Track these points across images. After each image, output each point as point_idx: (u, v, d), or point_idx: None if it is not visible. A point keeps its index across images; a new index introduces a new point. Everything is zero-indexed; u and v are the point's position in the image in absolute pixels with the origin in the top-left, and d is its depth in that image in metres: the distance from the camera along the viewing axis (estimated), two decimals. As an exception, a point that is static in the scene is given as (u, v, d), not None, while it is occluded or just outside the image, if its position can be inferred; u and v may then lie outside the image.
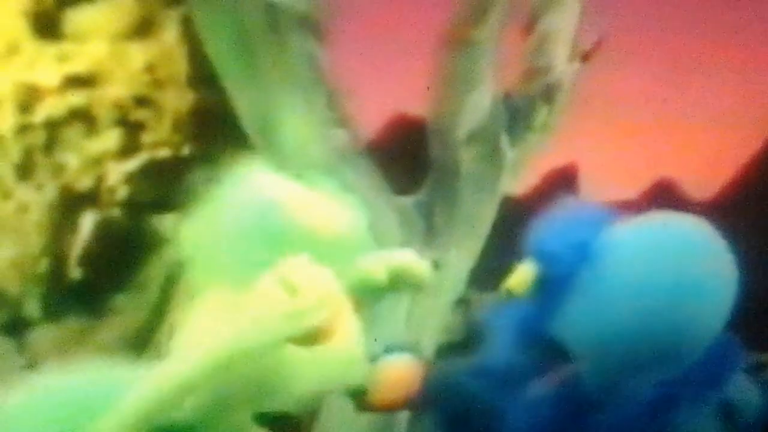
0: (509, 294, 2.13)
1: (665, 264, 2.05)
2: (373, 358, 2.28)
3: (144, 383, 1.95)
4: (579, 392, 2.04)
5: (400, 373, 2.26)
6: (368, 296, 2.26)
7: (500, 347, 2.18)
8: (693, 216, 2.12)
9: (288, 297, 1.97)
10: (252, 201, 2.12)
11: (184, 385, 1.95)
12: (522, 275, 2.12)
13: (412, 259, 2.27)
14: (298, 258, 2.03)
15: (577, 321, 2.05)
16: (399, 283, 2.26)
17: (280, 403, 2.06)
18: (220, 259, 2.07)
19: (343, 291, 2.13)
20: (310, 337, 2.01)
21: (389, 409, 2.27)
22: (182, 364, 1.96)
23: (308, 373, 2.07)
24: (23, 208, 4.68)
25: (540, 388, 2.08)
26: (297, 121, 4.26)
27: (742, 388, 2.11)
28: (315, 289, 2.00)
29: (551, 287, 2.07)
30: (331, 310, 2.01)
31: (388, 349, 2.30)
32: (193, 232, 2.11)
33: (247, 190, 2.14)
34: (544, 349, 2.08)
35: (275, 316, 1.98)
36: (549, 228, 2.13)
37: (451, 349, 4.50)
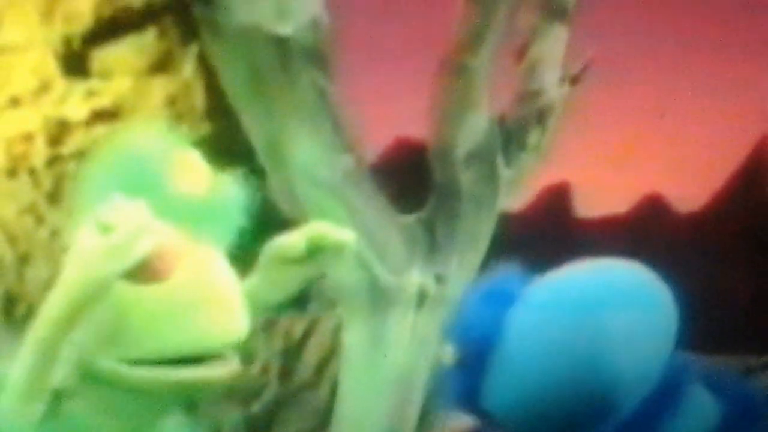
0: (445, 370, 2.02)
1: (578, 318, 1.91)
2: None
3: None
4: None
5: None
6: (290, 269, 2.15)
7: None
8: (615, 260, 1.97)
9: (102, 235, 1.89)
10: (135, 154, 2.06)
11: (50, 337, 1.90)
12: (448, 351, 2.00)
13: (329, 227, 2.16)
14: (112, 198, 1.96)
15: (500, 393, 1.93)
16: (318, 251, 2.13)
17: (148, 348, 1.97)
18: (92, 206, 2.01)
19: (186, 238, 2.04)
20: (138, 274, 1.92)
21: None
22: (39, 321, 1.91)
23: (168, 317, 1.97)
24: (54, 234, 4.65)
25: None
26: (305, 147, 4.22)
27: (700, 398, 1.97)
28: (129, 225, 1.90)
29: (471, 364, 1.95)
30: (151, 244, 1.91)
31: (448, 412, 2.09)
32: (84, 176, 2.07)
33: (135, 146, 2.08)
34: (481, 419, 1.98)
35: (93, 255, 1.90)
36: (462, 313, 2.01)
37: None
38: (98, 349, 1.97)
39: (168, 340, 1.98)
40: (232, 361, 2.10)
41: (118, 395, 1.98)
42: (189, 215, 2.05)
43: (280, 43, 4.18)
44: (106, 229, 1.92)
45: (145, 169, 2.05)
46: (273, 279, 2.17)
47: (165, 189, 2.04)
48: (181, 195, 2.06)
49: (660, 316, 1.91)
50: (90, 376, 1.97)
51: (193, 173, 2.12)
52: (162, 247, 1.96)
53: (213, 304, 2.03)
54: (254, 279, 2.18)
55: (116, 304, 1.96)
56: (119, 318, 1.97)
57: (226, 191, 2.15)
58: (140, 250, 1.91)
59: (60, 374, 1.93)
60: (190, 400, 2.10)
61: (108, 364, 1.97)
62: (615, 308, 1.89)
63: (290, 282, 2.19)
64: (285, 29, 4.19)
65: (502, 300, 1.95)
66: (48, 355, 1.89)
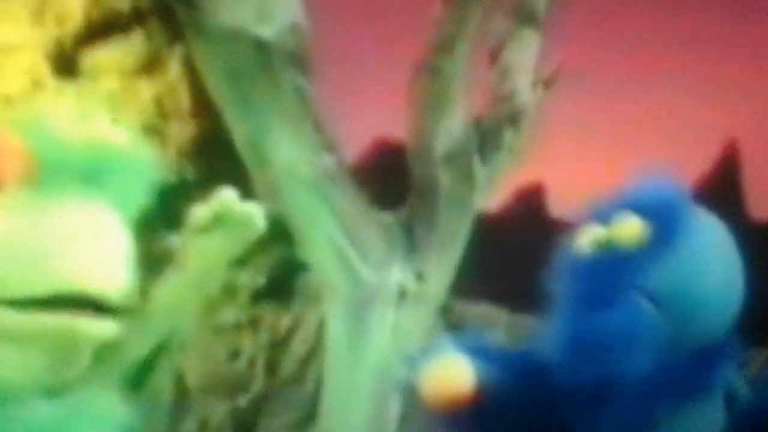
0: (611, 247, 2.02)
1: (728, 252, 2.11)
2: (422, 361, 2.07)
3: None
4: (651, 338, 2.01)
5: (452, 374, 2.03)
6: (205, 242, 2.05)
7: (573, 308, 2.05)
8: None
9: None
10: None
11: None
12: (632, 228, 2.01)
13: (232, 198, 2.06)
14: None
15: (672, 276, 2.04)
16: (225, 220, 2.04)
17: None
18: None
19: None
20: None
21: (449, 406, 2.03)
22: None
23: (36, 254, 1.81)
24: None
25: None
26: (287, 146, 4.14)
27: (738, 379, 2.14)
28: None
29: (658, 241, 2.03)
30: None
31: (437, 350, 2.07)
32: None
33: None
34: (634, 296, 2.02)
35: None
36: (651, 189, 2.09)
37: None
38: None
39: (36, 278, 1.80)
40: (108, 321, 1.89)
41: (11, 345, 1.82)
42: (67, 153, 1.89)
43: (262, 46, 4.11)
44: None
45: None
46: (195, 257, 2.05)
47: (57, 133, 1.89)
48: (76, 141, 1.91)
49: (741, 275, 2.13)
50: None
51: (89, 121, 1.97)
52: None
53: (88, 249, 1.86)
54: (181, 266, 2.07)
55: None
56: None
57: (127, 150, 1.99)
58: None
59: None
60: (67, 350, 1.88)
61: None
62: (737, 261, 2.11)
63: (213, 258, 2.06)
64: (266, 32, 4.12)
65: (683, 198, 2.08)
66: None
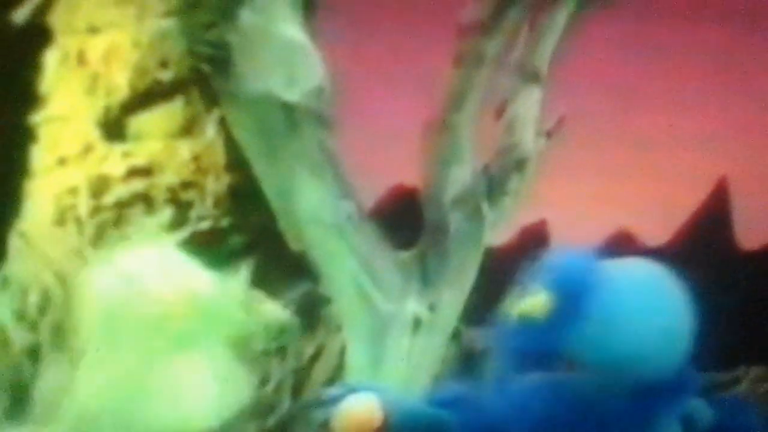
0: (523, 318, 2.09)
1: (652, 296, 2.10)
2: (337, 400, 2.13)
3: None
4: (575, 395, 2.04)
5: (361, 412, 2.10)
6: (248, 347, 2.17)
7: (505, 364, 2.12)
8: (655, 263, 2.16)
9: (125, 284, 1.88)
10: (116, 283, 2.01)
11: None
12: (538, 301, 2.09)
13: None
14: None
15: (586, 339, 2.05)
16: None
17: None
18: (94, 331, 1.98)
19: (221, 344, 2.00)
20: (153, 325, 1.91)
21: None
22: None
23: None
24: (96, 273, 4.73)
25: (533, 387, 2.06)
26: (311, 194, 4.30)
27: (698, 404, 2.15)
28: (149, 278, 1.92)
29: (563, 310, 2.06)
30: (166, 299, 1.93)
31: (351, 390, 2.14)
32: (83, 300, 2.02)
33: (114, 271, 2.04)
34: (550, 361, 2.07)
35: (114, 301, 1.90)
36: (557, 263, 2.13)
37: (447, 376, 4.56)
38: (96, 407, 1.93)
39: (151, 414, 1.95)
40: None
41: None
42: (181, 316, 2.01)
43: (288, 108, 4.30)
44: (128, 279, 1.93)
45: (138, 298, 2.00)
46: None
47: (150, 300, 1.99)
48: (168, 300, 2.00)
49: (688, 309, 2.12)
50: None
51: (178, 278, 2.07)
52: (171, 304, 1.94)
53: (199, 391, 2.00)
54: None
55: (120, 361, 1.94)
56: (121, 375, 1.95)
57: (212, 289, 2.09)
58: (155, 299, 1.92)
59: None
60: None
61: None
62: (671, 295, 2.10)
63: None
64: (293, 96, 4.31)
65: (589, 264, 2.10)
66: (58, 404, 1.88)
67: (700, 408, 2.14)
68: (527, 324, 2.09)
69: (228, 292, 2.14)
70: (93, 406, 1.94)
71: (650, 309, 2.08)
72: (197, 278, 2.13)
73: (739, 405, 2.22)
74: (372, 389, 2.14)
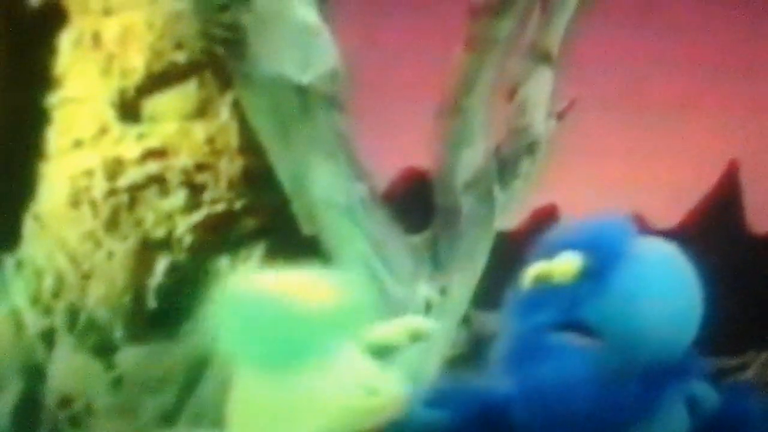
0: (549, 280, 2.02)
1: (675, 277, 2.08)
2: None
3: None
4: (590, 369, 2.01)
5: None
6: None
7: (522, 335, 2.08)
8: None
9: (368, 396, 1.92)
10: (248, 297, 1.98)
11: None
12: (569, 263, 2.02)
13: (421, 321, 2.20)
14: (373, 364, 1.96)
15: (609, 309, 2.03)
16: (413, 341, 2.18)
17: None
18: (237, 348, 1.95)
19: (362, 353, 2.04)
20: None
21: None
22: None
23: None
24: (110, 255, 4.79)
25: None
26: (324, 177, 4.33)
27: (703, 387, 2.14)
28: (389, 391, 1.96)
29: (593, 275, 2.02)
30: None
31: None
32: (212, 319, 1.99)
33: (242, 288, 2.01)
34: (572, 329, 2.02)
35: (357, 412, 1.93)
36: (593, 226, 2.09)
37: (458, 360, 4.60)
38: None
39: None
40: None
41: None
42: (327, 328, 2.02)
43: (302, 91, 4.33)
44: (373, 392, 1.98)
45: (274, 310, 1.98)
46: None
47: (296, 317, 1.98)
48: (313, 314, 2.00)
49: (699, 295, 2.11)
50: None
51: (316, 292, 2.06)
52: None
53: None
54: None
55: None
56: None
57: (350, 297, 2.12)
58: (392, 411, 1.95)
59: None
60: None
61: None
62: (692, 276, 2.09)
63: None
64: (307, 79, 4.34)
65: (624, 233, 2.06)
66: None
67: (705, 391, 2.14)
68: (544, 291, 2.04)
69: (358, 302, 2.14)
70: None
71: (672, 289, 2.07)
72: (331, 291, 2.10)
73: (742, 390, 2.22)
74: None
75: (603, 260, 2.02)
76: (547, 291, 2.03)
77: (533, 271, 2.06)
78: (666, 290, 2.06)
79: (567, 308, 2.02)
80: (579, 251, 2.04)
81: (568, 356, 2.01)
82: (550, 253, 2.07)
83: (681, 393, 2.08)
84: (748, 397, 2.19)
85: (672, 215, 6.91)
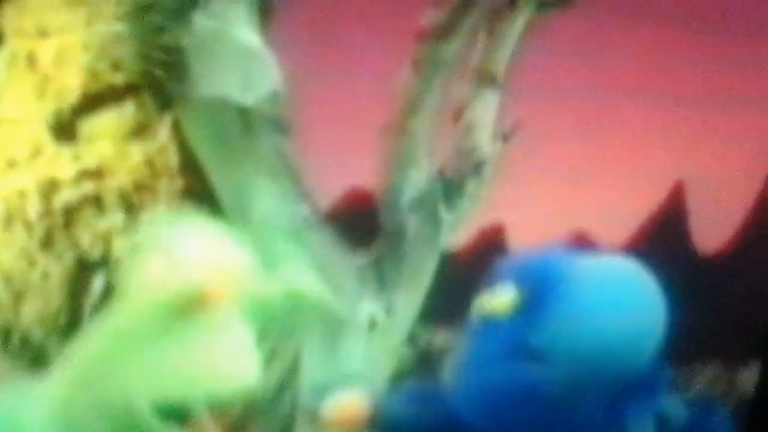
0: (488, 315, 2.09)
1: (621, 291, 2.09)
2: (325, 393, 2.23)
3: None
4: (544, 393, 2.03)
5: (348, 406, 2.20)
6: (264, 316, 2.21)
7: (477, 362, 2.11)
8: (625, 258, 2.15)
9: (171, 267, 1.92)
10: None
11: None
12: (503, 298, 2.09)
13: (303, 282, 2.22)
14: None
15: (553, 334, 2.06)
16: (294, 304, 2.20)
17: (169, 393, 1.97)
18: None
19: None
20: (194, 303, 1.96)
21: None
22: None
23: (191, 363, 1.99)
24: (45, 275, 4.72)
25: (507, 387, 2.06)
26: (266, 198, 4.33)
27: (672, 402, 2.14)
28: (194, 260, 1.95)
29: (533, 304, 2.06)
30: (209, 279, 1.95)
31: (339, 382, 2.33)
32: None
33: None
34: (521, 357, 2.06)
35: (159, 281, 1.94)
36: (521, 260, 2.13)
37: (403, 376, 4.56)
38: (137, 387, 1.97)
39: (190, 381, 2.00)
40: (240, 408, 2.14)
41: None
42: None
43: (244, 112, 4.32)
44: (174, 262, 1.96)
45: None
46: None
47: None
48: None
49: (660, 305, 2.12)
50: (125, 419, 1.96)
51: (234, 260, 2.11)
52: (218, 277, 2.01)
53: (233, 356, 2.09)
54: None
55: (160, 335, 1.98)
56: (159, 347, 1.98)
57: (260, 285, 2.18)
58: (199, 280, 1.96)
59: (95, 397, 1.93)
60: None
61: (140, 408, 1.96)
62: (642, 290, 2.09)
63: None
64: (249, 100, 4.33)
65: (554, 259, 2.09)
66: (96, 374, 1.92)
67: (674, 406, 2.13)
68: (493, 321, 2.08)
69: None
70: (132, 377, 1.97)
71: (618, 303, 2.07)
72: (233, 253, 2.17)
73: (709, 404, 2.22)
74: (360, 385, 2.22)
75: (538, 289, 2.06)
76: (494, 321, 2.09)
77: (478, 303, 2.12)
78: (611, 305, 2.06)
79: (511, 337, 2.06)
80: (515, 284, 2.09)
81: (521, 384, 2.04)
82: (495, 283, 2.13)
83: (648, 408, 2.07)
84: (714, 411, 2.19)
85: (618, 235, 6.98)
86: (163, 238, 2.13)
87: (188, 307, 2.02)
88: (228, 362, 2.07)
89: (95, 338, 2.01)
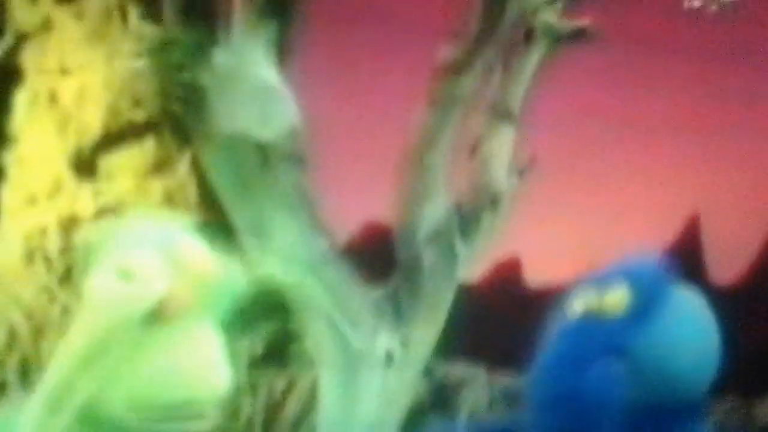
0: (600, 312, 2.04)
1: (705, 316, 2.09)
2: None
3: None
4: (622, 397, 2.00)
5: None
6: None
7: (566, 360, 2.07)
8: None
9: (123, 281, 1.85)
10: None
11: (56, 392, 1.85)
12: (620, 296, 2.05)
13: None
14: (130, 251, 1.91)
15: (647, 343, 2.04)
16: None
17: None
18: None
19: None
20: (154, 316, 1.90)
21: None
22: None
23: (164, 369, 1.92)
24: (65, 310, 4.74)
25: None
26: (285, 232, 4.34)
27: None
28: (147, 271, 1.87)
29: (642, 308, 2.04)
30: (165, 288, 1.89)
31: None
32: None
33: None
34: (614, 357, 2.03)
35: (114, 300, 1.86)
36: (637, 263, 2.10)
37: (421, 410, 4.55)
38: (102, 395, 1.94)
39: (162, 392, 1.95)
40: (214, 416, 2.15)
41: None
42: (194, 285, 1.97)
43: (262, 148, 4.34)
44: (126, 275, 1.88)
45: (157, 240, 1.96)
46: None
47: (175, 258, 1.95)
48: (187, 266, 1.96)
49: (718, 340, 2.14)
50: (90, 423, 1.93)
51: (191, 257, 2.04)
52: (176, 292, 1.93)
53: (202, 362, 2.02)
54: None
55: (122, 351, 1.94)
56: (124, 364, 1.93)
57: (222, 276, 2.13)
58: (156, 293, 1.88)
59: (65, 420, 1.90)
60: None
61: (110, 411, 1.93)
62: (713, 326, 2.08)
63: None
64: (267, 135, 4.35)
65: (664, 272, 2.07)
66: (62, 398, 1.87)
67: None
68: (598, 319, 2.04)
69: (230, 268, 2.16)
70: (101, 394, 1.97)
71: (701, 336, 2.08)
72: (197, 258, 2.13)
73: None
74: None
75: (651, 297, 2.07)
76: (591, 321, 2.05)
77: (584, 301, 2.08)
78: (699, 334, 2.08)
79: (610, 340, 2.05)
80: (628, 285, 2.07)
81: (601, 374, 2.02)
82: (598, 286, 2.07)
83: None
84: None
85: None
86: (115, 247, 2.09)
87: (148, 321, 2.02)
88: (198, 370, 2.04)
89: (59, 360, 2.00)
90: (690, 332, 2.09)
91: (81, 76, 4.86)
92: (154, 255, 2.00)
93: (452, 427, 2.25)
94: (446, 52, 4.57)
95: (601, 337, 2.06)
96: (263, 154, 4.35)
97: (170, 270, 2.01)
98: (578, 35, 4.75)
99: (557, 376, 2.08)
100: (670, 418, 2.06)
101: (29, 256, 4.77)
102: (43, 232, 4.81)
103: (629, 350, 2.05)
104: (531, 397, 2.10)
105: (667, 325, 2.07)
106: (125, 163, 4.78)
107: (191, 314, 2.08)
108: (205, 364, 2.05)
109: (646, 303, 2.06)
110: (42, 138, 4.86)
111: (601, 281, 2.09)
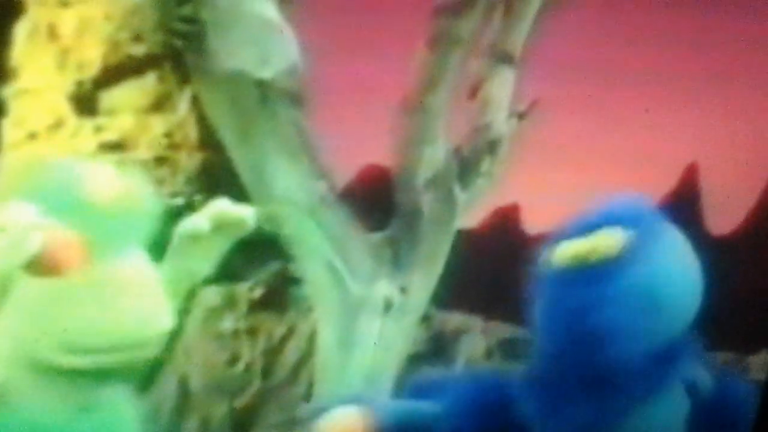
0: (593, 255, 2.04)
1: (692, 258, 2.16)
2: (320, 414, 2.17)
3: None
4: (613, 332, 2.07)
5: (342, 427, 2.14)
6: (201, 244, 2.18)
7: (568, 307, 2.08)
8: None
9: None
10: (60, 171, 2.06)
11: None
12: (613, 238, 2.03)
13: (228, 204, 2.20)
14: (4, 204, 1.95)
15: (641, 280, 2.09)
16: (221, 226, 2.19)
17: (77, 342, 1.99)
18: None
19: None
20: (36, 268, 1.94)
21: None
22: None
23: (98, 309, 2.01)
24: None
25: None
26: (285, 174, 4.33)
27: (700, 370, 2.17)
28: (18, 225, 1.91)
29: (638, 249, 2.06)
30: (40, 241, 1.92)
31: (334, 403, 2.19)
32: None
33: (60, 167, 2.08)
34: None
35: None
36: (628, 203, 2.12)
37: (418, 358, 4.60)
38: (36, 341, 2.02)
39: (100, 329, 2.02)
40: (156, 343, 2.10)
41: (57, 380, 2.02)
42: (101, 223, 2.07)
43: (262, 86, 4.31)
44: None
45: (58, 182, 2.06)
46: (189, 256, 2.21)
47: (78, 199, 2.05)
48: (93, 205, 2.07)
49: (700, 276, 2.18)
50: (30, 367, 2.02)
51: (105, 185, 2.11)
52: (57, 242, 1.97)
53: (138, 297, 2.07)
54: (173, 260, 2.21)
55: (51, 298, 2.00)
56: (54, 311, 2.00)
57: (135, 201, 2.16)
58: (30, 246, 1.93)
59: None
60: (121, 380, 2.12)
61: (46, 354, 2.01)
62: (696, 262, 2.16)
63: (206, 255, 2.22)
64: (266, 74, 4.32)
65: (652, 213, 2.12)
66: None
67: (702, 374, 2.17)
68: (591, 265, 2.03)
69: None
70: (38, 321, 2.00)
71: (689, 269, 2.13)
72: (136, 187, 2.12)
73: (736, 375, 2.28)
74: (357, 401, 2.16)
75: (645, 235, 2.06)
76: (593, 265, 2.03)
77: (571, 249, 2.05)
78: (685, 271, 2.12)
79: (609, 280, 2.04)
80: (621, 226, 2.05)
81: (596, 321, 2.04)
82: (584, 232, 2.08)
83: (681, 374, 2.12)
84: (742, 381, 2.24)
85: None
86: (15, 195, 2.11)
87: (35, 270, 1.99)
88: (137, 310, 2.06)
89: None
90: (677, 270, 2.12)
91: (81, 9, 4.82)
92: (31, 208, 2.03)
93: (449, 376, 2.26)
94: (447, -7, 4.54)
95: (598, 278, 2.07)
96: (262, 92, 4.34)
97: (55, 221, 2.03)
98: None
99: (560, 329, 2.09)
100: (662, 357, 2.08)
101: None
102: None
103: (621, 287, 2.06)
104: (539, 351, 2.12)
105: (659, 263, 2.09)
106: (126, 100, 4.75)
107: (102, 253, 2.06)
108: (136, 295, 2.08)
109: (642, 240, 2.08)
110: (42, 72, 4.83)
111: (588, 226, 2.10)
